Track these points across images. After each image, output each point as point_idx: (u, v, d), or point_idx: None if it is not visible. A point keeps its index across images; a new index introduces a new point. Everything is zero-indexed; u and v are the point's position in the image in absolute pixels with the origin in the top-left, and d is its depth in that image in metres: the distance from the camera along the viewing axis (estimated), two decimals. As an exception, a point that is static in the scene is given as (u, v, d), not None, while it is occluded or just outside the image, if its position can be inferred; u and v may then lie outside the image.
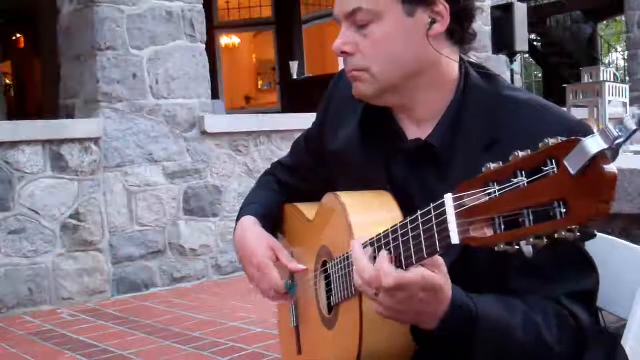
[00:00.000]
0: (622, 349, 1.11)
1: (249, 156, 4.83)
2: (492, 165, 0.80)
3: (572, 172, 0.72)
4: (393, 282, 0.93)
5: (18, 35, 11.61)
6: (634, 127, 0.73)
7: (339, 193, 1.19)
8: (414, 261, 0.93)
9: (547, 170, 0.74)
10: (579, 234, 0.74)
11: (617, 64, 17.04)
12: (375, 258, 0.98)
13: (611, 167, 0.71)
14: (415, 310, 0.96)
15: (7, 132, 3.99)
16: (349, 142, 1.24)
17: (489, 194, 0.80)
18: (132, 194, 4.35)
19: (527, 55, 13.68)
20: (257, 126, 4.92)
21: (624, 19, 10.57)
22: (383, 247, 0.98)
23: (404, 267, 0.94)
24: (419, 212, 0.91)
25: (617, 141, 0.71)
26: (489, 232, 0.81)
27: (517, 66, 6.33)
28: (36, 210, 4.00)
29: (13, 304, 3.93)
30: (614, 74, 8.96)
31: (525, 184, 0.76)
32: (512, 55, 5.93)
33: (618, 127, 0.71)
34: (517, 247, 0.78)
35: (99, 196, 4.23)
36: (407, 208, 1.12)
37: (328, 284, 1.21)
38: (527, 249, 0.78)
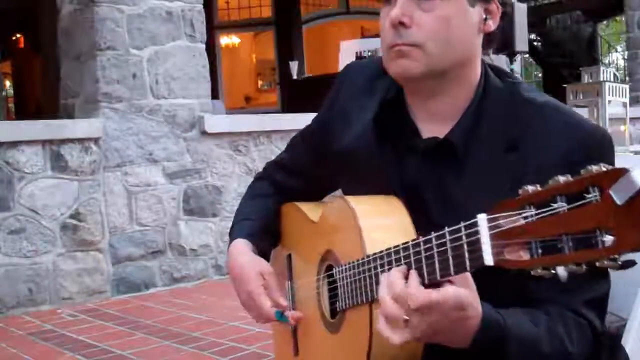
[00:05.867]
0: (623, 348, 1.11)
1: (249, 156, 4.83)
2: (530, 188, 0.79)
3: (618, 202, 0.71)
4: (423, 301, 0.91)
5: (18, 35, 11.61)
6: None
7: (348, 198, 1.17)
8: (437, 277, 0.92)
9: (590, 197, 0.73)
10: (620, 263, 0.73)
11: (617, 64, 17.02)
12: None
13: None
14: (447, 330, 0.94)
15: (7, 132, 3.99)
16: (360, 141, 1.21)
17: (526, 217, 0.79)
18: (132, 194, 4.35)
19: (527, 55, 13.68)
20: (257, 126, 4.92)
21: (624, 19, 10.56)
22: (402, 259, 0.97)
23: (425, 283, 0.93)
24: (447, 229, 0.90)
25: None
26: (525, 256, 0.80)
27: (517, 66, 6.32)
28: (36, 210, 4.00)
29: (13, 304, 3.92)
30: (614, 74, 8.96)
31: (566, 210, 0.75)
32: (512, 55, 5.93)
33: None
34: (553, 271, 0.78)
35: (99, 196, 4.22)
36: (420, 209, 1.12)
37: (332, 288, 1.21)
38: (563, 274, 0.77)
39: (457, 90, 1.14)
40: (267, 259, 1.42)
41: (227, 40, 11.69)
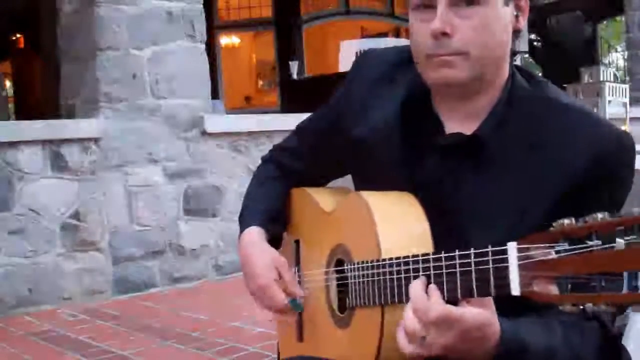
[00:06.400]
0: (625, 349, 1.11)
1: (249, 156, 4.83)
2: (565, 222, 0.78)
3: None
4: (438, 314, 0.91)
5: (18, 35, 11.60)
6: None
7: (363, 193, 1.16)
8: (458, 295, 0.92)
9: (628, 239, 0.72)
10: None
11: (617, 64, 17.00)
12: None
13: None
14: (465, 349, 0.94)
15: (7, 132, 3.99)
16: (380, 132, 1.19)
17: (558, 251, 0.78)
18: (132, 194, 4.35)
19: (527, 55, 13.68)
20: (257, 126, 4.92)
21: (624, 19, 10.56)
22: (420, 270, 0.97)
23: (445, 299, 0.93)
24: (473, 251, 0.90)
25: None
26: (554, 290, 0.78)
27: (517, 66, 6.32)
28: (36, 210, 4.00)
29: (13, 304, 3.92)
30: (614, 74, 8.96)
31: (601, 249, 0.74)
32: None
33: None
34: (581, 307, 0.76)
35: (99, 196, 4.22)
36: (437, 207, 1.11)
37: (341, 283, 1.20)
38: (590, 310, 0.76)
39: (491, 90, 1.13)
40: (279, 243, 1.42)
41: (227, 40, 11.69)
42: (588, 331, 1.04)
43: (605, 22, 17.57)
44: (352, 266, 1.15)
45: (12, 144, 3.94)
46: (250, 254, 1.34)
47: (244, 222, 1.40)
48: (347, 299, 1.18)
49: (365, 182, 1.26)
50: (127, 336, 3.39)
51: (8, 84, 12.84)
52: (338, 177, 1.45)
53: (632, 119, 7.50)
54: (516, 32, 1.14)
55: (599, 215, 0.75)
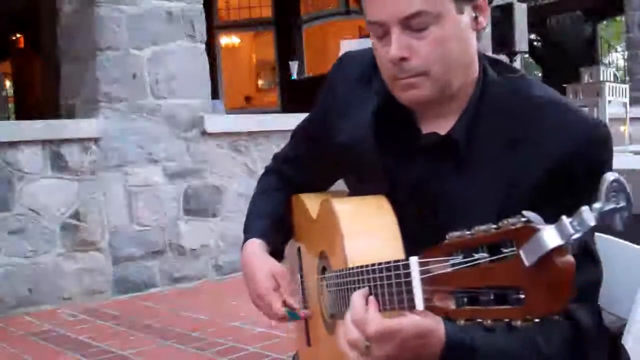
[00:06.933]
0: (624, 349, 1.11)
1: (249, 156, 4.83)
2: (455, 234, 0.77)
3: (526, 263, 0.69)
4: (375, 329, 0.90)
5: (18, 35, 11.59)
6: (592, 224, 0.69)
7: (334, 200, 1.17)
8: (387, 307, 0.91)
9: (506, 252, 0.72)
10: (537, 320, 0.71)
11: (617, 64, 17.00)
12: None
13: (568, 261, 0.68)
14: (407, 358, 0.92)
15: (7, 132, 3.99)
16: (360, 136, 1.19)
17: (454, 264, 0.77)
18: (132, 194, 4.35)
19: (527, 55, 13.68)
20: (257, 126, 4.92)
21: (624, 19, 10.56)
22: (365, 281, 0.97)
23: (381, 309, 0.92)
24: (392, 263, 0.89)
25: (574, 237, 0.68)
26: (451, 305, 0.78)
27: (517, 66, 6.32)
28: (36, 210, 4.00)
29: (13, 304, 3.92)
30: (614, 74, 8.95)
31: (487, 262, 0.74)
32: (512, 55, 5.93)
33: (576, 220, 0.68)
34: (479, 320, 0.75)
35: (99, 196, 4.22)
36: (421, 207, 1.11)
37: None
38: (490, 325, 0.74)
39: (462, 92, 1.13)
40: (281, 254, 1.43)
41: (227, 40, 11.70)
42: (551, 325, 1.02)
43: (605, 22, 17.57)
44: (329, 275, 1.17)
45: (12, 144, 3.94)
46: (251, 264, 1.36)
47: (247, 232, 1.42)
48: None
49: (352, 182, 1.28)
50: (127, 336, 3.39)
51: (8, 84, 12.85)
52: (337, 179, 1.45)
53: (632, 119, 7.50)
54: (479, 32, 1.13)
55: (483, 227, 0.74)
